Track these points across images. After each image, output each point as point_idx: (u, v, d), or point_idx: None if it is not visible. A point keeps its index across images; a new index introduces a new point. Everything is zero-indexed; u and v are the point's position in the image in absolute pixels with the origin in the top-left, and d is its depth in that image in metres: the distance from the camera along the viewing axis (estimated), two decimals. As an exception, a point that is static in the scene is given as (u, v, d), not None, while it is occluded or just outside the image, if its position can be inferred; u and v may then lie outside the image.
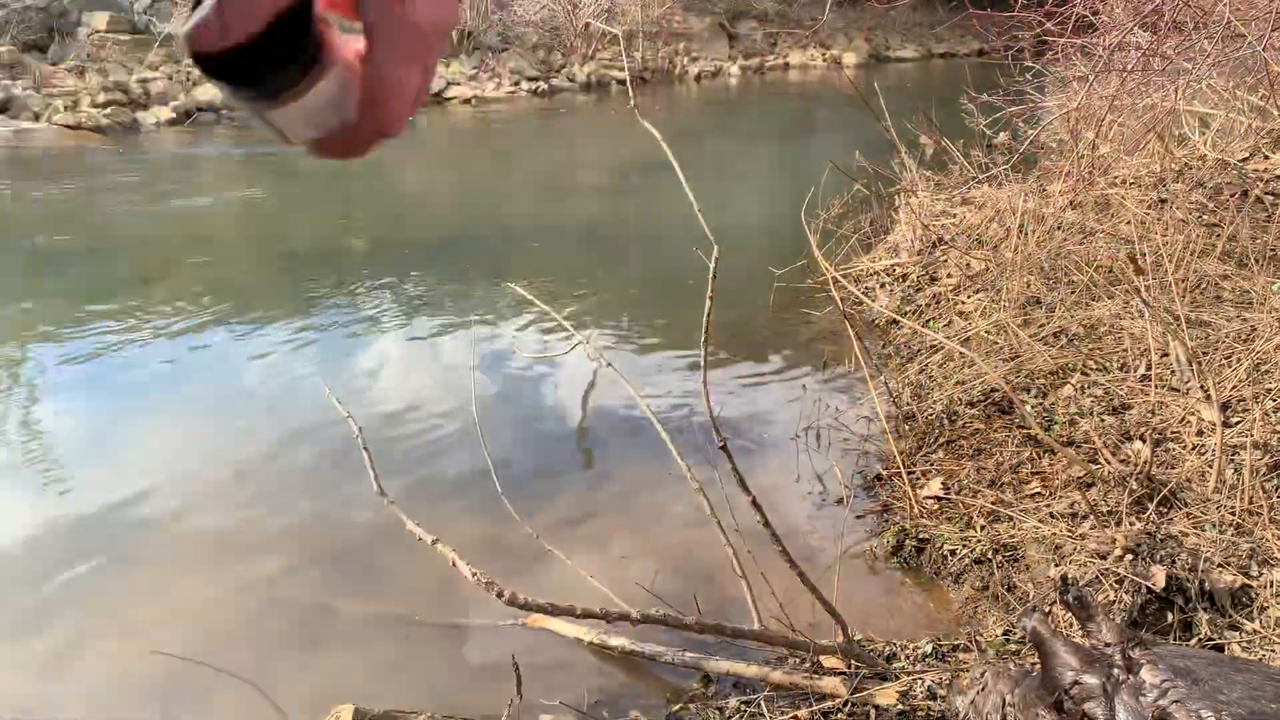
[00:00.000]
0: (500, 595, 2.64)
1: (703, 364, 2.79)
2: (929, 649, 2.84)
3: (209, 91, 14.71)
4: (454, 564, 2.78)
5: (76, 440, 4.43)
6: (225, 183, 10.32)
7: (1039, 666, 2.13)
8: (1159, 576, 2.73)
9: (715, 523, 3.03)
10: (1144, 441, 3.66)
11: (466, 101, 13.00)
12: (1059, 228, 4.96)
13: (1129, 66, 6.35)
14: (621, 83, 15.02)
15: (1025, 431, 3.85)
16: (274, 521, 3.75)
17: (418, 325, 5.94)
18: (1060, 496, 3.45)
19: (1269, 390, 3.73)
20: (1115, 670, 1.96)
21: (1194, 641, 2.68)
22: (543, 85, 13.84)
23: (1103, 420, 3.81)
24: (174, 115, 13.65)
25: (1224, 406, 3.69)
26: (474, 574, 2.73)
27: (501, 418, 4.60)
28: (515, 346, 5.54)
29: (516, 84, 13.62)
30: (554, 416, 4.68)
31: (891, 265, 5.25)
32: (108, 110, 13.16)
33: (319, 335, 5.71)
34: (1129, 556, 2.83)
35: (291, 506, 3.86)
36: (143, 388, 5.01)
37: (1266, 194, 5.79)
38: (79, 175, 10.39)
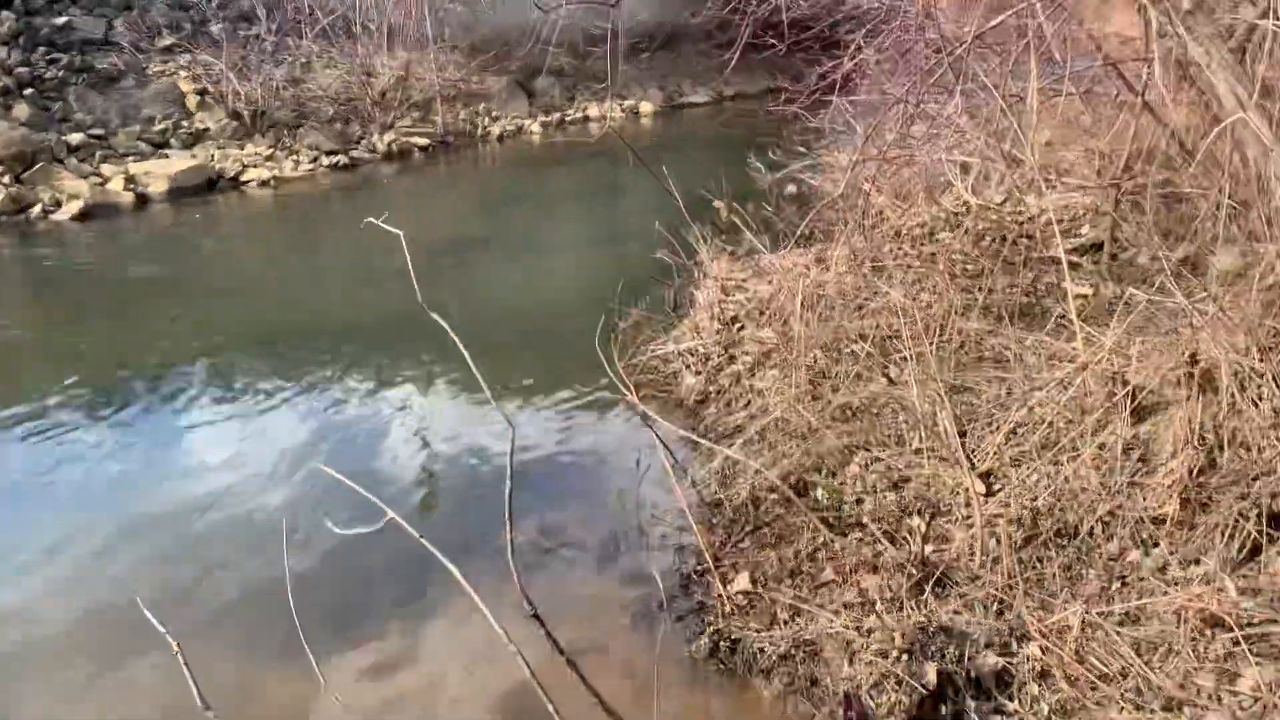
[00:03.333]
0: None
1: (509, 540, 2.86)
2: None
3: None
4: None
5: None
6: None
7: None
8: (930, 674, 3.02)
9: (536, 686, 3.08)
10: (920, 516, 4.00)
11: (265, 184, 12.43)
12: (840, 296, 5.31)
13: (897, 119, 6.85)
14: (424, 149, 14.83)
15: (820, 514, 4.12)
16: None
17: (201, 437, 5.70)
18: (850, 584, 3.72)
19: (1024, 453, 4.13)
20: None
21: (966, 728, 2.98)
22: (343, 159, 13.47)
23: (884, 498, 4.12)
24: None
25: (985, 475, 4.08)
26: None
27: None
28: (320, 512, 5.44)
29: (315, 160, 13.17)
30: (346, 560, 4.45)
31: (693, 346, 5.49)
32: None
33: (95, 450, 5.43)
34: (905, 656, 3.11)
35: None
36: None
37: (1021, 237, 6.39)
38: None
